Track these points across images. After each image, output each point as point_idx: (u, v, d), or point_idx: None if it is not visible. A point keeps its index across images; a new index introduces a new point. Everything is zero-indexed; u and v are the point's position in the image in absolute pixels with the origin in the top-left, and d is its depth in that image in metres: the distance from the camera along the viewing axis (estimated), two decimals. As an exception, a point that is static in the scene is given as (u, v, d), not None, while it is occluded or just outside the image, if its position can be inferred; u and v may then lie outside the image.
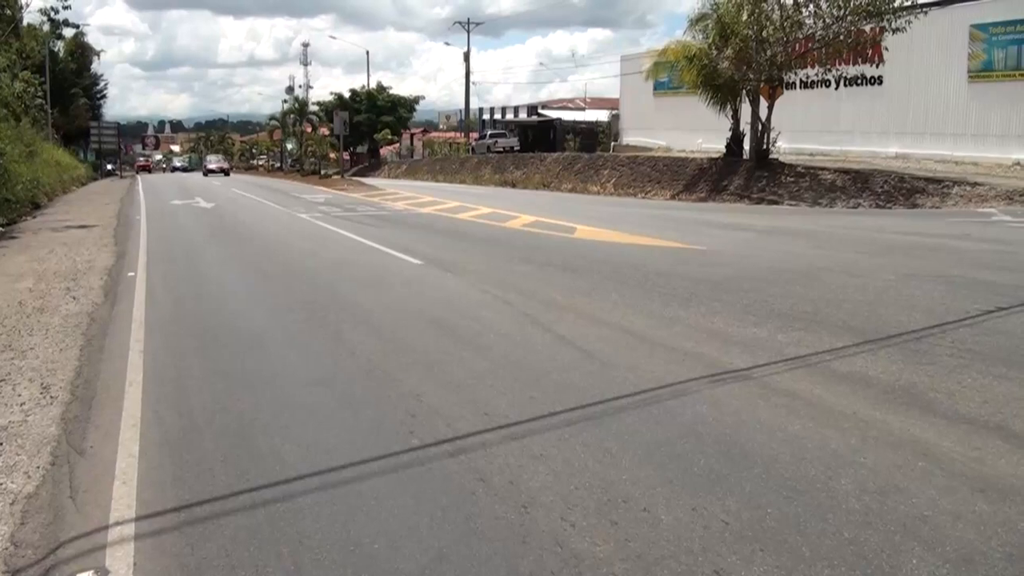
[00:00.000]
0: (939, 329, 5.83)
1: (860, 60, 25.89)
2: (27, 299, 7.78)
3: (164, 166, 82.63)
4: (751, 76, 21.55)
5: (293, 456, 3.68)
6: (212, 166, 53.55)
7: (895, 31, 19.44)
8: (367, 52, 62.30)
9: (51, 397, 4.65)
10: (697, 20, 22.75)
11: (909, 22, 19.29)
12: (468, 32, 52.89)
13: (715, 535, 2.86)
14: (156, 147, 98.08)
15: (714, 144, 27.26)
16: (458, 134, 63.37)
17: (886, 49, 23.30)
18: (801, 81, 27.30)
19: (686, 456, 3.58)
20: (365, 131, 60.88)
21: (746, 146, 22.99)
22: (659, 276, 8.44)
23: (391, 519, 3.03)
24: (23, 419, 4.28)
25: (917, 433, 3.80)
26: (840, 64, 23.01)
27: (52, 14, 43.17)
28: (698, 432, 3.86)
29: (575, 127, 43.19)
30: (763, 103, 21.69)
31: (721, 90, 22.72)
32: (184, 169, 70.77)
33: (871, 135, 26.81)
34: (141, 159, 75.49)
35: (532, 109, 57.13)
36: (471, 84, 53.54)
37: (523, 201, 21.87)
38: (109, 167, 57.72)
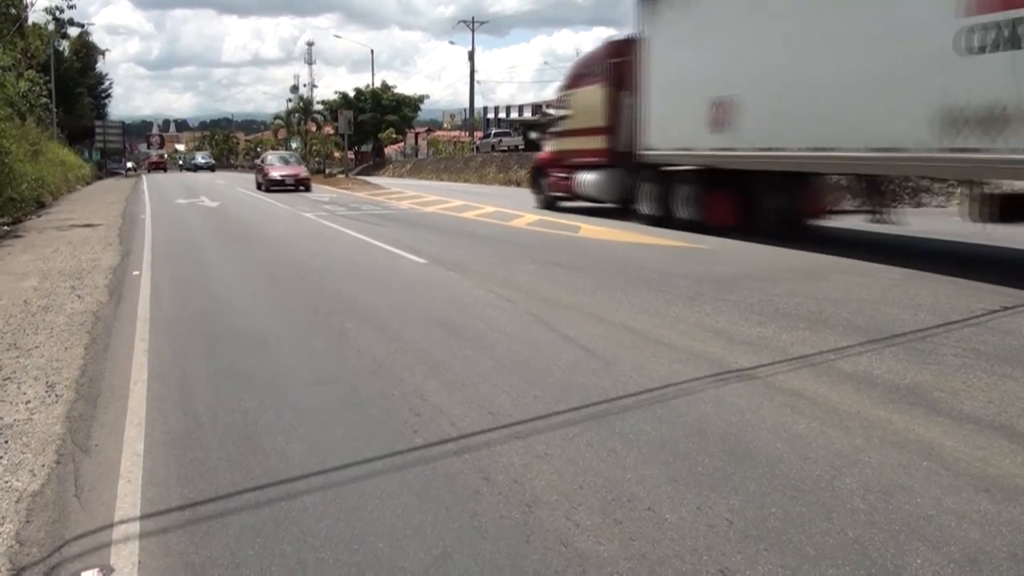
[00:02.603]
0: (944, 328, 5.82)
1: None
2: (32, 298, 7.80)
3: (181, 162, 75.06)
4: (756, 75, 21.51)
5: (297, 455, 3.68)
6: (278, 173, 28.93)
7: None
8: (371, 51, 62.70)
9: (56, 395, 4.67)
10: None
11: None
12: (473, 31, 52.95)
13: (720, 534, 2.86)
14: (161, 146, 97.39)
15: (718, 143, 27.15)
16: (462, 133, 63.48)
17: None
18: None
19: (690, 455, 3.57)
20: (370, 130, 61.03)
21: (751, 145, 22.93)
22: (663, 275, 8.43)
23: (395, 518, 3.04)
24: (28, 417, 4.29)
25: (922, 432, 3.80)
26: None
27: (57, 13, 43.53)
28: (703, 431, 3.86)
29: (579, 126, 43.01)
30: (768, 102, 21.62)
31: (726, 89, 22.67)
32: (209, 167, 59.69)
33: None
34: (154, 156, 67.65)
35: (537, 108, 57.14)
36: (476, 83, 53.62)
37: (528, 200, 21.85)
38: (129, 165, 56.12)
